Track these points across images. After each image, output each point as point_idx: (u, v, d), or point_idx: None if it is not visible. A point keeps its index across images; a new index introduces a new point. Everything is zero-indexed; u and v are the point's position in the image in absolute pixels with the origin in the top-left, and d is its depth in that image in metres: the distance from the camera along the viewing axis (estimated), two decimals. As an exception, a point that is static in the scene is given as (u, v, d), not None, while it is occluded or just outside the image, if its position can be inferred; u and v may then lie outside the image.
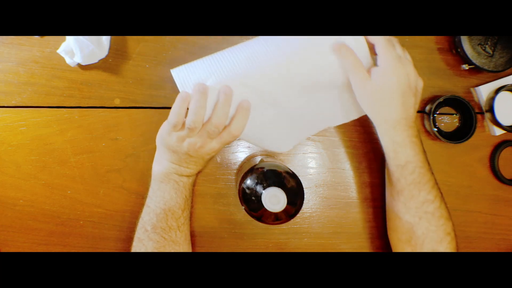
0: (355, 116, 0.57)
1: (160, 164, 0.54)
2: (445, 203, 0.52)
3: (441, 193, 0.52)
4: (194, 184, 0.57)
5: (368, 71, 0.49)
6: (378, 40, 0.49)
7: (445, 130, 0.63)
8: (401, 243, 0.54)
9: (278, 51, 0.50)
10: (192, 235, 0.60)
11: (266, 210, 0.46)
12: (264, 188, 0.46)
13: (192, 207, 0.59)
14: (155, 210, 0.52)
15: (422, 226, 0.51)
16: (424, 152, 0.51)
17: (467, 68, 0.61)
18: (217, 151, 0.51)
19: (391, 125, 0.49)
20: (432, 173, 0.52)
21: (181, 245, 0.53)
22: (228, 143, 0.51)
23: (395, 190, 0.52)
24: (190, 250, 0.55)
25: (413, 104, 0.50)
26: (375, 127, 0.52)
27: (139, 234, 0.52)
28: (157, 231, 0.52)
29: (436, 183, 0.52)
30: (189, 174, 0.54)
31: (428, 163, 0.51)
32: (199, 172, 0.56)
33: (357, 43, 0.53)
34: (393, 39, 0.52)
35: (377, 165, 0.62)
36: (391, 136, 0.50)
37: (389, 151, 0.51)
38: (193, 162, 0.52)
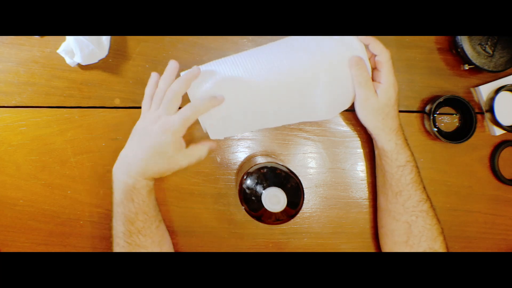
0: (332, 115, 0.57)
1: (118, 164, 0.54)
2: (431, 201, 0.56)
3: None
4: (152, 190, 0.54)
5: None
6: (385, 56, 0.52)
7: (445, 130, 0.63)
8: (397, 246, 0.55)
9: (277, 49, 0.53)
10: (192, 235, 0.60)
11: (266, 210, 0.46)
12: (264, 188, 0.46)
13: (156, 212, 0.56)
14: (115, 213, 0.52)
15: (419, 224, 0.53)
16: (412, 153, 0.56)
17: (467, 68, 0.61)
18: (178, 129, 0.48)
19: (394, 131, 0.55)
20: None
21: (150, 249, 0.52)
22: (187, 119, 0.48)
23: (393, 192, 0.55)
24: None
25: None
26: (375, 135, 0.56)
27: (114, 239, 0.53)
28: (119, 235, 0.51)
29: (424, 185, 0.56)
30: (134, 174, 0.51)
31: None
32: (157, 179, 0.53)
33: (356, 43, 0.53)
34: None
35: (377, 165, 0.62)
36: (395, 141, 0.54)
37: (392, 154, 0.55)
38: (143, 149, 0.50)
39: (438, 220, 0.55)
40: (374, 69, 0.54)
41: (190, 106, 0.48)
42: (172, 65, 0.52)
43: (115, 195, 0.52)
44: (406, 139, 0.55)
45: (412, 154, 0.55)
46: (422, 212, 0.53)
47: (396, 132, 0.54)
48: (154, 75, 0.55)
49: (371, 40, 0.52)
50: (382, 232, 0.58)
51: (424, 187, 0.55)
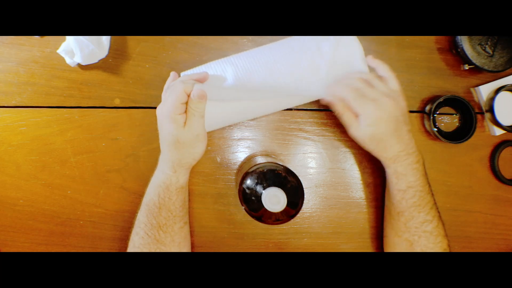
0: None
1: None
2: (442, 222, 0.54)
3: (439, 213, 0.54)
4: (180, 187, 0.54)
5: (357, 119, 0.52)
6: (346, 95, 0.51)
7: (445, 130, 0.63)
8: None
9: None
10: (192, 235, 0.60)
11: (266, 210, 0.46)
12: (264, 188, 0.46)
13: (189, 206, 0.59)
14: (142, 204, 0.54)
15: (421, 243, 0.52)
16: (425, 174, 0.53)
17: (467, 68, 0.61)
18: (170, 109, 0.48)
19: (392, 160, 0.53)
20: (432, 195, 0.54)
21: (167, 246, 0.52)
22: (176, 97, 0.48)
23: (395, 211, 0.54)
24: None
25: (407, 131, 0.52)
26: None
27: (134, 227, 0.54)
28: (141, 225, 0.52)
29: (435, 204, 0.54)
30: (166, 170, 0.52)
31: (429, 185, 0.54)
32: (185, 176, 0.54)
33: (353, 43, 0.54)
34: (362, 82, 0.52)
35: (377, 165, 0.62)
36: (393, 168, 0.53)
37: (391, 178, 0.54)
38: (167, 143, 0.51)
39: (444, 236, 0.53)
40: None
41: (175, 84, 0.49)
42: (202, 75, 0.53)
43: (147, 188, 0.54)
44: (415, 163, 0.52)
45: (420, 179, 0.52)
46: (426, 232, 0.52)
47: (393, 160, 0.52)
48: (172, 74, 0.55)
49: (331, 89, 0.53)
50: (385, 241, 0.58)
51: (431, 207, 0.53)
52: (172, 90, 0.49)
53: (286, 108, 0.58)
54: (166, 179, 0.52)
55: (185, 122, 0.49)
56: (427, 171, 0.54)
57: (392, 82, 0.53)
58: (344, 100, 0.51)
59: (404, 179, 0.52)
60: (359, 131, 0.52)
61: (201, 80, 0.52)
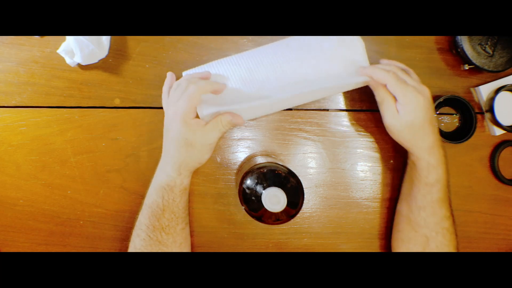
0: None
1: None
2: (454, 218, 0.54)
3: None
4: (183, 189, 0.53)
5: (396, 108, 0.51)
6: (389, 80, 0.50)
7: (445, 130, 0.63)
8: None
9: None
10: (192, 235, 0.60)
11: (266, 210, 0.46)
12: (264, 188, 0.46)
13: (190, 207, 0.59)
14: (144, 205, 0.53)
15: (437, 240, 0.52)
16: (448, 170, 0.53)
17: (467, 68, 0.61)
18: (185, 109, 0.49)
19: (426, 151, 0.52)
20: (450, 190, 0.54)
21: (169, 247, 0.52)
22: (192, 97, 0.48)
23: (416, 205, 0.54)
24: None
25: (437, 124, 0.53)
26: (408, 150, 0.54)
27: (135, 229, 0.54)
28: (142, 227, 0.52)
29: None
30: (170, 172, 0.52)
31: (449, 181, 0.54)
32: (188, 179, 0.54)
33: (354, 43, 0.54)
34: (399, 70, 0.52)
35: (377, 165, 0.62)
36: (426, 160, 0.52)
37: (422, 171, 0.53)
38: (174, 144, 0.51)
39: (456, 235, 0.54)
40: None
41: (193, 85, 0.49)
42: (204, 74, 0.53)
43: (148, 190, 0.53)
44: (443, 156, 0.52)
45: (446, 173, 0.52)
46: (443, 229, 0.52)
47: (428, 150, 0.52)
48: (169, 74, 0.56)
49: (370, 71, 0.52)
50: (397, 236, 0.58)
51: (450, 204, 0.53)
52: (186, 93, 0.49)
53: (290, 107, 0.58)
54: (171, 181, 0.51)
55: (201, 125, 0.50)
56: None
57: (414, 75, 0.54)
58: (385, 84, 0.50)
59: (434, 172, 0.52)
60: (398, 118, 0.51)
61: (217, 92, 0.52)
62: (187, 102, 0.48)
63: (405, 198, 0.57)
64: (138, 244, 0.52)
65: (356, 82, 0.53)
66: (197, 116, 0.51)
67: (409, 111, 0.50)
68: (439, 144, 0.52)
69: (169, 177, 0.52)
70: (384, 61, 0.56)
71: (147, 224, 0.52)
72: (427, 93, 0.51)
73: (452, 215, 0.54)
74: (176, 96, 0.50)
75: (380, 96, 0.52)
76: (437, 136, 0.52)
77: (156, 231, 0.51)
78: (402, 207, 0.57)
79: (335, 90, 0.57)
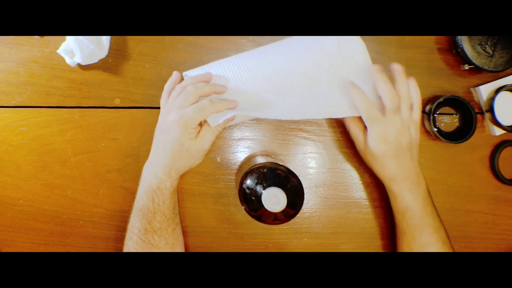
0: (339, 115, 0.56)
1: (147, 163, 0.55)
2: (450, 244, 0.54)
3: (446, 235, 0.54)
4: (172, 190, 0.53)
5: (365, 133, 0.53)
6: (361, 107, 0.50)
7: (445, 130, 0.63)
8: None
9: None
10: (192, 235, 0.60)
11: (266, 210, 0.46)
12: (264, 188, 0.46)
13: (179, 211, 0.59)
14: (134, 209, 0.53)
15: None
16: (428, 197, 0.54)
17: (467, 68, 0.61)
18: (191, 118, 0.48)
19: (388, 180, 0.54)
20: (436, 216, 0.54)
21: (161, 249, 0.52)
22: (201, 110, 0.49)
23: (399, 231, 0.56)
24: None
25: (409, 158, 0.53)
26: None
27: (127, 232, 0.53)
28: (134, 231, 0.52)
29: (441, 226, 0.54)
30: (161, 175, 0.51)
31: (433, 208, 0.54)
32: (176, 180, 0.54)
33: (354, 43, 0.54)
34: (396, 97, 0.51)
35: (377, 165, 0.62)
36: (389, 187, 0.55)
37: (390, 199, 0.56)
38: (168, 149, 0.50)
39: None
40: None
41: (207, 100, 0.49)
42: (206, 76, 0.53)
43: (138, 192, 0.53)
44: (415, 185, 0.52)
45: (417, 200, 0.52)
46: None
47: (390, 180, 0.54)
48: (175, 73, 0.55)
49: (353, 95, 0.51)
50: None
51: (435, 230, 0.53)
52: (199, 105, 0.49)
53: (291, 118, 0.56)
54: (160, 184, 0.51)
55: (198, 132, 0.50)
56: (427, 171, 0.54)
57: (417, 111, 0.53)
58: (357, 109, 0.51)
59: (401, 201, 0.53)
60: (363, 145, 0.54)
61: (220, 93, 0.52)
62: (197, 113, 0.48)
63: (394, 224, 0.58)
64: (131, 247, 0.52)
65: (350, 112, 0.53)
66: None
67: (372, 140, 0.52)
68: (407, 176, 0.52)
69: (159, 179, 0.51)
70: (395, 65, 0.53)
71: (138, 227, 0.52)
72: (400, 129, 0.50)
73: (443, 240, 0.53)
74: (180, 101, 0.50)
75: (346, 122, 0.55)
76: (403, 169, 0.52)
77: (148, 234, 0.51)
78: (395, 233, 0.58)
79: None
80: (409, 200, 0.53)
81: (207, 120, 0.51)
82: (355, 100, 0.51)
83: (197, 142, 0.50)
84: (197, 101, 0.50)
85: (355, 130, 0.54)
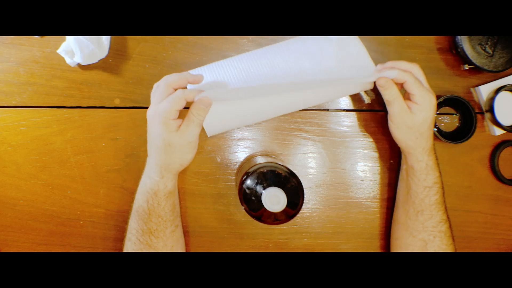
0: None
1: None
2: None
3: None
4: (166, 193, 0.52)
5: (408, 106, 0.52)
6: (408, 78, 0.51)
7: (445, 130, 0.63)
8: None
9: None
10: (192, 235, 0.60)
11: (266, 210, 0.46)
12: (264, 188, 0.46)
13: (181, 209, 0.59)
14: (132, 209, 0.53)
15: (435, 244, 0.53)
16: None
17: (467, 68, 0.61)
18: (165, 110, 0.47)
19: (426, 152, 0.53)
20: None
21: (160, 251, 0.52)
22: (174, 100, 0.47)
23: (415, 210, 0.54)
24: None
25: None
26: (406, 153, 0.55)
27: (127, 233, 0.53)
28: (132, 231, 0.52)
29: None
30: (153, 175, 0.51)
31: None
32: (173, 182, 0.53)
33: (354, 43, 0.54)
34: (415, 73, 0.52)
35: (377, 165, 0.62)
36: (426, 161, 0.53)
37: (421, 174, 0.54)
38: (155, 146, 0.50)
39: (453, 239, 0.54)
40: (403, 87, 0.52)
41: (178, 90, 0.48)
42: (197, 77, 0.50)
43: (136, 193, 0.53)
44: (437, 159, 0.55)
45: (440, 175, 0.54)
46: (441, 232, 0.53)
47: (428, 152, 0.53)
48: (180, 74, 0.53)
49: (391, 64, 0.52)
50: (395, 243, 0.58)
51: (446, 208, 0.55)
52: (171, 95, 0.47)
53: (292, 111, 0.57)
54: (154, 185, 0.51)
55: (179, 126, 0.48)
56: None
57: (422, 76, 0.54)
58: (403, 83, 0.51)
59: (432, 174, 0.53)
60: (411, 115, 0.51)
61: (193, 82, 0.50)
62: (169, 104, 0.47)
63: (402, 205, 0.57)
64: (129, 247, 0.52)
65: (364, 83, 0.53)
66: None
67: (424, 109, 0.51)
68: (434, 149, 0.55)
69: (152, 180, 0.51)
70: (396, 64, 0.54)
71: (136, 228, 0.51)
72: (434, 95, 0.52)
73: (449, 219, 0.54)
74: (156, 98, 0.48)
75: (392, 95, 0.51)
76: (432, 140, 0.54)
77: (145, 235, 0.51)
78: (399, 215, 0.58)
79: (340, 92, 0.56)
80: (437, 174, 0.54)
81: (204, 127, 0.50)
82: (397, 76, 0.50)
83: (179, 134, 0.48)
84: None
85: (401, 102, 0.51)
